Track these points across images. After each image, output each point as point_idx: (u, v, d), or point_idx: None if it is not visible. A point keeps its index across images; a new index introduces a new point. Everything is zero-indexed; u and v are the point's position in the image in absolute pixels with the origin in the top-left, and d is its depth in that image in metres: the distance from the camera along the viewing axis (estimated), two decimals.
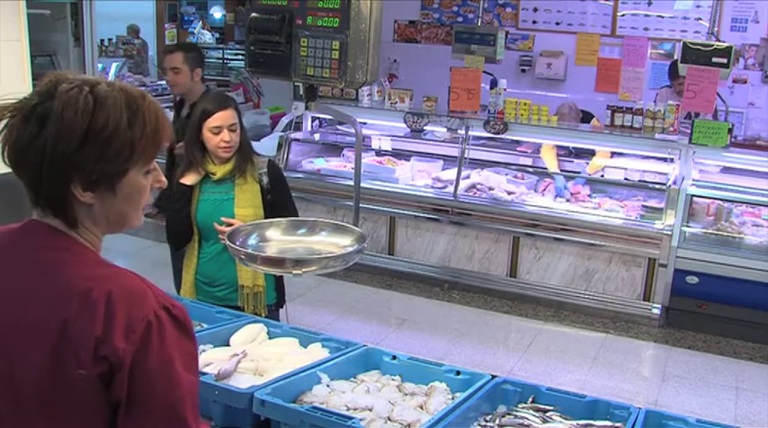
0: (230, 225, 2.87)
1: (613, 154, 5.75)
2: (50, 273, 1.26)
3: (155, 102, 1.34)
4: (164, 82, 10.39)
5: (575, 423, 2.04)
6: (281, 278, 3.22)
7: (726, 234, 5.06)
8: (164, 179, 1.38)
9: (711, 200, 5.22)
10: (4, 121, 1.25)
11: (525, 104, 5.74)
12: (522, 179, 5.79)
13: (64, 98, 1.23)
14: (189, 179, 3.07)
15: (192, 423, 1.28)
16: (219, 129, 2.96)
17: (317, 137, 6.56)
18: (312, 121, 6.53)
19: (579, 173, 5.76)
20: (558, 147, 5.90)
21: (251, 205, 3.08)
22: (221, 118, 2.97)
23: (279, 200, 3.15)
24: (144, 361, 1.21)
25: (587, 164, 5.81)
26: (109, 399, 1.23)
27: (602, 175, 5.75)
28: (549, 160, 5.83)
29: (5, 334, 1.25)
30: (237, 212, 3.04)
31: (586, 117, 6.14)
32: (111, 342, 1.19)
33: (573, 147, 5.90)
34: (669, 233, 5.04)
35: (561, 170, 5.80)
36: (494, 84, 6.20)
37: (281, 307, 3.33)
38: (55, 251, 1.28)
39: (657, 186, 5.37)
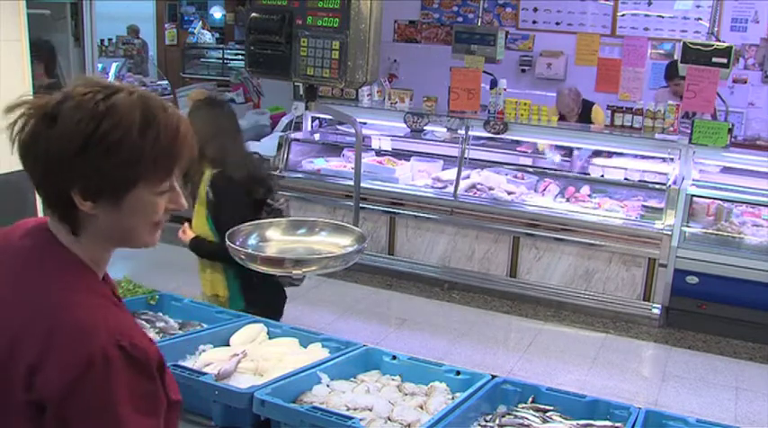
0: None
1: (613, 154, 5.76)
2: (22, 284, 1.21)
3: (177, 115, 1.26)
4: (164, 82, 10.43)
5: (575, 423, 2.04)
6: (249, 286, 3.15)
7: (726, 234, 5.06)
8: (183, 202, 1.30)
9: (711, 200, 5.22)
10: (20, 113, 1.21)
11: (525, 104, 5.74)
12: (522, 179, 5.79)
13: (77, 100, 1.19)
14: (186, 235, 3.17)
15: None
16: None
17: (317, 137, 6.56)
18: (312, 121, 6.53)
19: (588, 174, 5.78)
20: (559, 147, 5.91)
21: (198, 215, 3.15)
22: None
23: (221, 218, 2.99)
24: (79, 400, 1.12)
25: (588, 164, 5.82)
26: None
27: (603, 175, 5.76)
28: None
29: None
30: (194, 222, 3.15)
31: (587, 105, 6.15)
32: (43, 372, 1.13)
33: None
34: (669, 233, 5.04)
35: (569, 171, 5.82)
36: (494, 84, 6.20)
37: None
38: (39, 261, 1.24)
39: (657, 186, 5.37)
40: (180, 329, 2.53)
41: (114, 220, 1.24)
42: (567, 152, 5.94)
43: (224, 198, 3.06)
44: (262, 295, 3.15)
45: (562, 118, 6.07)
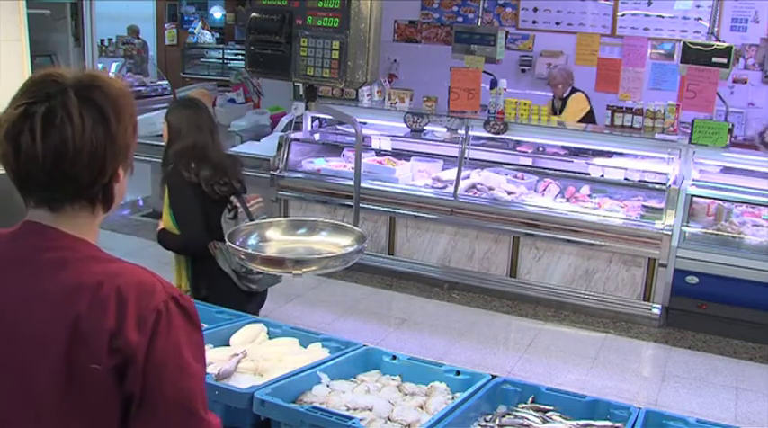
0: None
1: (613, 154, 5.75)
2: (56, 273, 1.27)
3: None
4: (164, 82, 10.43)
5: (575, 423, 2.04)
6: (201, 281, 3.28)
7: (726, 234, 5.06)
8: None
9: (711, 200, 5.22)
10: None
11: (525, 104, 5.74)
12: (522, 179, 5.79)
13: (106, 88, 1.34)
14: None
15: (203, 412, 1.30)
16: None
17: (317, 137, 6.56)
18: (312, 121, 6.53)
19: (588, 174, 5.79)
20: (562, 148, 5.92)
21: (165, 210, 3.28)
22: None
23: (177, 213, 3.23)
24: (155, 351, 1.24)
25: (588, 164, 5.81)
26: (122, 393, 1.24)
27: (603, 175, 5.75)
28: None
29: (15, 336, 1.25)
30: (163, 215, 3.31)
31: (575, 92, 6.27)
32: (124, 334, 1.22)
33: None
34: (669, 233, 5.04)
35: (569, 171, 5.82)
36: (494, 84, 6.20)
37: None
38: (56, 250, 1.29)
39: (657, 186, 5.36)
40: None
41: (123, 185, 1.37)
42: (568, 152, 5.94)
43: (177, 194, 3.22)
44: (213, 292, 3.22)
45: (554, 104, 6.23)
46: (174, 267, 3.36)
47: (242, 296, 3.30)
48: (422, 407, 2.07)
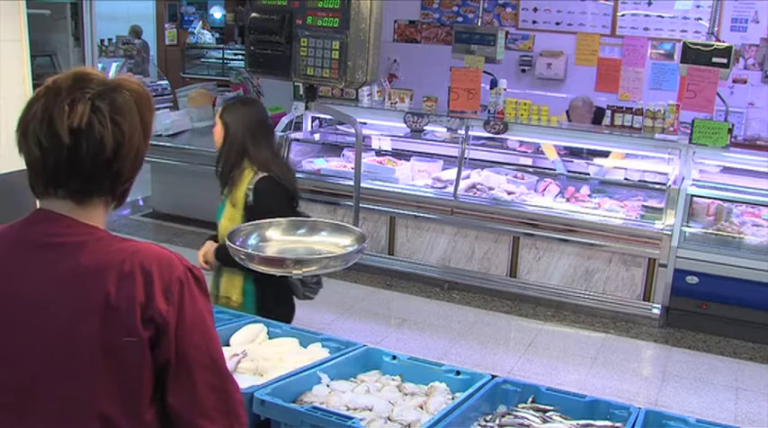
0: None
1: (613, 154, 5.75)
2: (78, 255, 1.33)
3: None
4: (164, 82, 10.43)
5: (575, 423, 2.03)
6: (264, 295, 3.05)
7: (726, 234, 5.06)
8: None
9: (711, 200, 5.22)
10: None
11: (525, 104, 5.74)
12: (522, 179, 5.79)
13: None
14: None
15: (227, 373, 1.43)
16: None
17: (317, 137, 6.56)
18: (312, 121, 6.53)
19: (588, 174, 5.77)
20: (562, 147, 5.91)
21: (230, 219, 2.96)
22: None
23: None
24: (185, 319, 1.35)
25: (588, 164, 5.81)
26: (155, 361, 1.33)
27: (603, 175, 5.75)
28: (549, 152, 5.83)
29: (47, 318, 1.32)
30: (221, 222, 3.02)
31: (599, 112, 6.14)
32: (154, 305, 1.31)
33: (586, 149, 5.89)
34: (669, 233, 5.04)
35: (569, 171, 5.81)
36: (494, 84, 6.19)
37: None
38: (75, 235, 1.36)
39: (657, 186, 5.37)
40: None
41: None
42: (568, 152, 5.94)
43: (266, 203, 2.89)
44: (275, 309, 3.00)
45: None
46: (225, 277, 3.06)
47: (293, 305, 3.17)
48: (422, 407, 2.07)
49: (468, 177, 5.77)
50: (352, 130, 4.88)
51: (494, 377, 2.22)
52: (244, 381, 2.09)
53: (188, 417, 1.37)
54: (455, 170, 5.74)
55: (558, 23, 7.91)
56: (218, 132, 2.98)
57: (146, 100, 1.42)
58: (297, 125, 6.35)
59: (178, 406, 1.36)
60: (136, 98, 1.39)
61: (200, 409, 1.37)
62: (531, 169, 5.91)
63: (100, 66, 8.08)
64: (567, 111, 6.31)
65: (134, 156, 1.39)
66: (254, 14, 2.76)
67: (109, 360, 1.30)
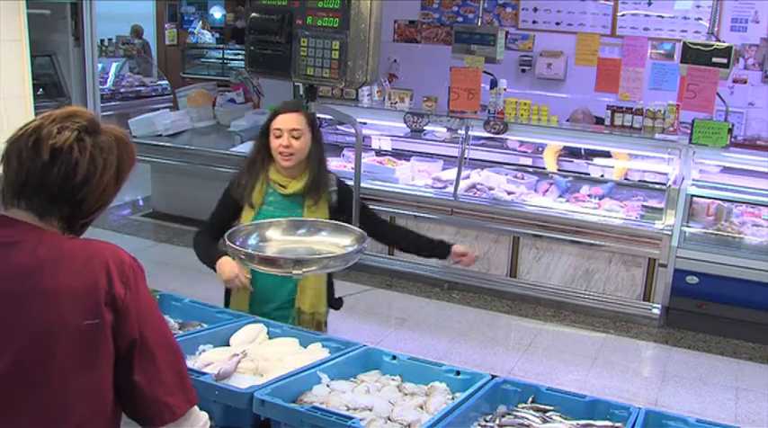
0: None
1: (613, 154, 5.75)
2: (37, 250, 1.44)
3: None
4: (164, 82, 10.43)
5: (575, 423, 2.03)
6: (332, 294, 3.04)
7: (726, 234, 5.06)
8: None
9: (711, 200, 5.22)
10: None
11: (525, 104, 5.74)
12: (522, 179, 5.79)
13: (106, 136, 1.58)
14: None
15: (180, 352, 1.58)
16: (281, 132, 2.83)
17: None
18: None
19: (588, 174, 5.77)
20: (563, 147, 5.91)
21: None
22: (284, 120, 2.84)
23: (348, 221, 2.85)
24: (141, 302, 1.50)
25: (588, 164, 5.81)
26: (119, 343, 1.46)
27: (603, 175, 5.75)
28: (549, 161, 5.84)
29: (17, 312, 1.41)
30: None
31: (599, 122, 6.12)
32: (114, 290, 1.45)
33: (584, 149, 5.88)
34: (669, 233, 5.04)
35: (569, 171, 5.80)
36: (494, 84, 6.19)
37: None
38: (31, 235, 1.46)
39: (657, 186, 5.37)
40: (180, 329, 2.53)
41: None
42: (568, 152, 5.94)
43: (349, 203, 2.96)
44: (336, 304, 3.08)
45: None
46: (313, 285, 2.93)
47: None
48: (422, 407, 2.07)
49: (468, 177, 5.77)
50: (352, 130, 4.88)
51: (494, 377, 2.22)
52: (244, 381, 2.09)
53: (152, 395, 1.49)
54: (455, 170, 5.74)
55: (558, 23, 7.91)
56: (305, 142, 2.87)
57: (128, 150, 1.56)
58: None
59: (144, 384, 1.48)
60: (119, 144, 1.53)
61: (163, 386, 1.51)
62: (531, 169, 5.91)
63: (100, 66, 8.06)
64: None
65: (100, 192, 1.51)
66: (254, 14, 2.76)
67: (74, 343, 1.41)
